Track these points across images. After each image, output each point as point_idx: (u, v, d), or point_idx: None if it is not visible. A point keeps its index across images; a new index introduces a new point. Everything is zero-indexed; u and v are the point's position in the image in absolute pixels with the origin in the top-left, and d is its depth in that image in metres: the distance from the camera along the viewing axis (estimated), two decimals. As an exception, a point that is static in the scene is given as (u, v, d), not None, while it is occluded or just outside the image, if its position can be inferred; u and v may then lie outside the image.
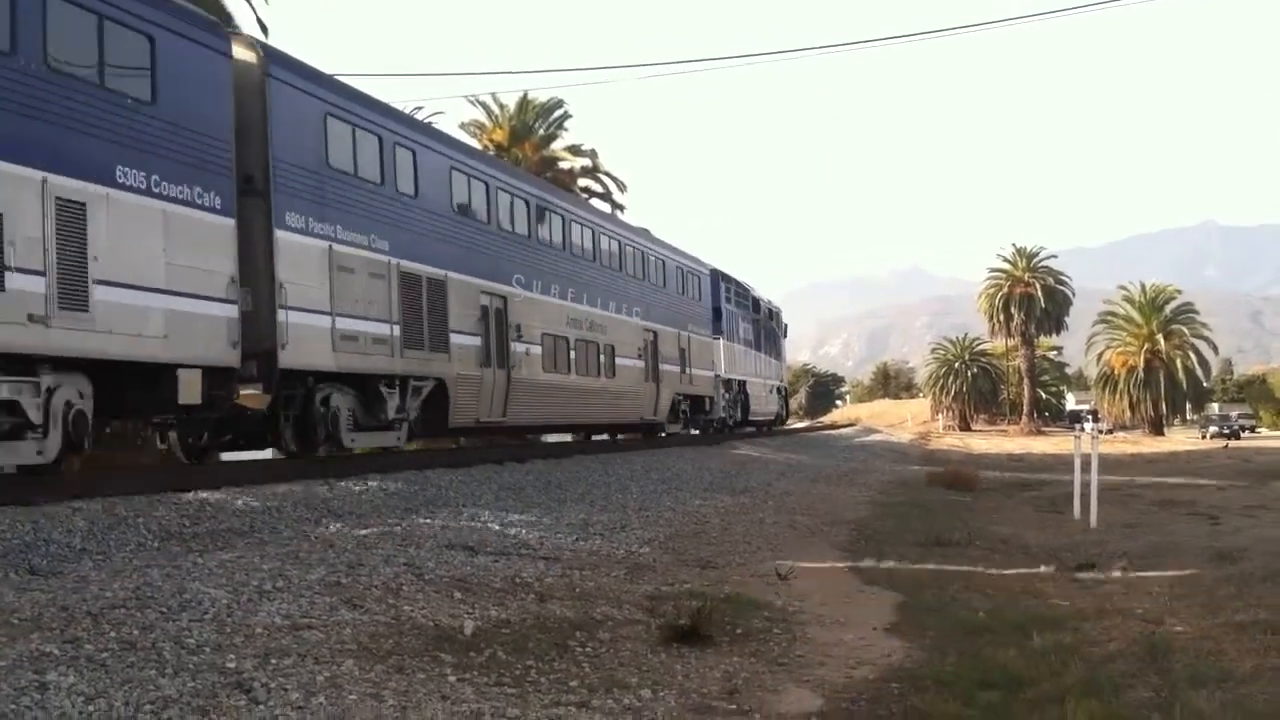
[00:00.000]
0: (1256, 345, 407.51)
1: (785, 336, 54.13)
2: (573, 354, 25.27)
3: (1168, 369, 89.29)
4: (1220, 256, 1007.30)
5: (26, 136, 11.07)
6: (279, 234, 15.11)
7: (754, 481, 23.30)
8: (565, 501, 16.05)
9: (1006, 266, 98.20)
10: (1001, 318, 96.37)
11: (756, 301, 46.28)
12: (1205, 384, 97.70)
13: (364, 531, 11.21)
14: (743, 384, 41.78)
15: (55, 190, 11.33)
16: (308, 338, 15.50)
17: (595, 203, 44.03)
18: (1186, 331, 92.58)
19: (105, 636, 6.41)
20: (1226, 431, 78.36)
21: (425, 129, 22.08)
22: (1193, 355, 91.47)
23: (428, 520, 12.50)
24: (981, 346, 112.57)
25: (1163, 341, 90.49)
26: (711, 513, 17.08)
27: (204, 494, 12.20)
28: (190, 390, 13.34)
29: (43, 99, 11.28)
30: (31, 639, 6.21)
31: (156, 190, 12.79)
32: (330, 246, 16.16)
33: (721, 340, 38.43)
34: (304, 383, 15.99)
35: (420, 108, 39.68)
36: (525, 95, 48.97)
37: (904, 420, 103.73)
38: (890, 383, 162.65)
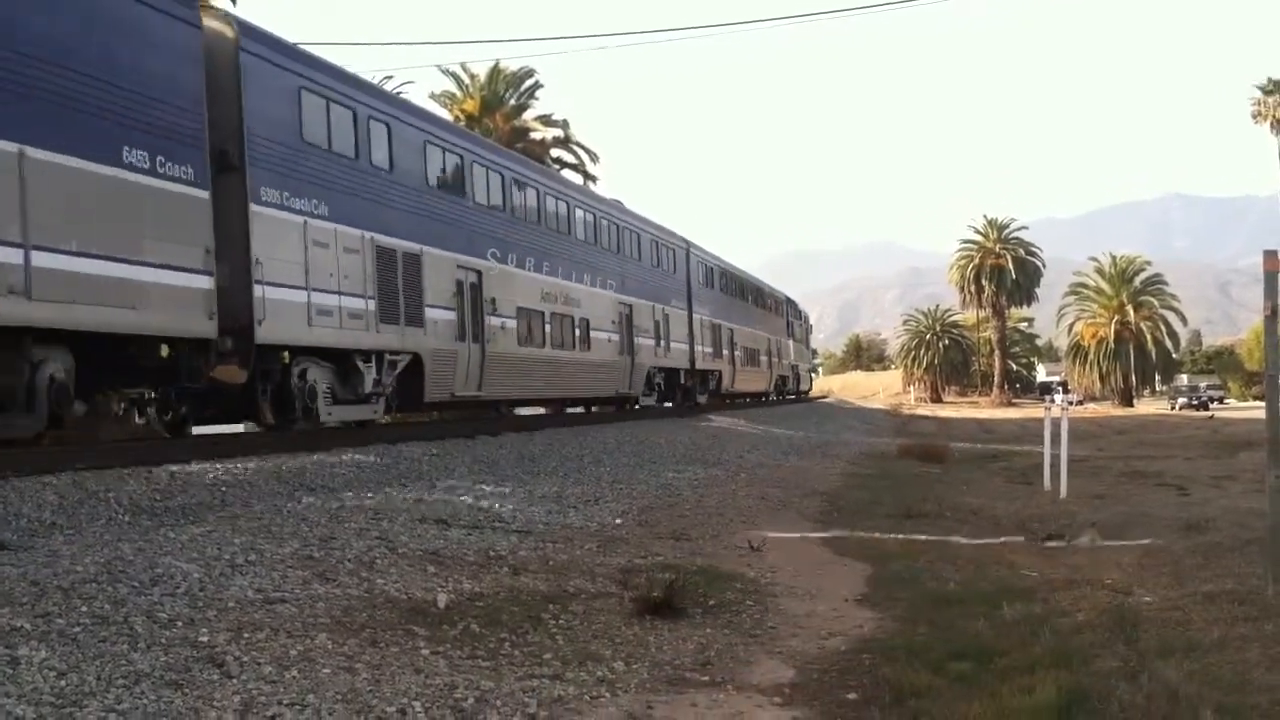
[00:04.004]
0: (1225, 316, 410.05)
1: (811, 332, 76.59)
2: (750, 352, 49.04)
3: (1137, 340, 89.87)
4: (1189, 227, 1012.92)
5: (655, 294, 35.17)
6: (694, 316, 39.13)
7: (727, 454, 23.36)
8: (539, 475, 16.07)
9: (978, 238, 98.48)
10: (972, 289, 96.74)
11: (799, 311, 67.07)
12: (1174, 355, 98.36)
13: (337, 505, 11.20)
14: (796, 368, 63.88)
15: (662, 310, 35.09)
16: (699, 354, 39.80)
17: (566, 173, 44.09)
18: (1156, 303, 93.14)
19: (77, 611, 6.38)
20: (1195, 403, 78.90)
21: (726, 264, 46.99)
22: (1162, 326, 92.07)
23: (401, 494, 12.50)
24: (953, 318, 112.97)
25: (1132, 313, 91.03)
26: (685, 485, 17.12)
27: (175, 468, 12.14)
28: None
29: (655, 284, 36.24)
30: (2, 614, 6.18)
31: (671, 304, 36.36)
32: (701, 319, 40.06)
33: (791, 342, 61.57)
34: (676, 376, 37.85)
35: (390, 77, 39.49)
36: (496, 65, 48.63)
37: (876, 392, 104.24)
38: (862, 355, 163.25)
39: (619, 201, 34.25)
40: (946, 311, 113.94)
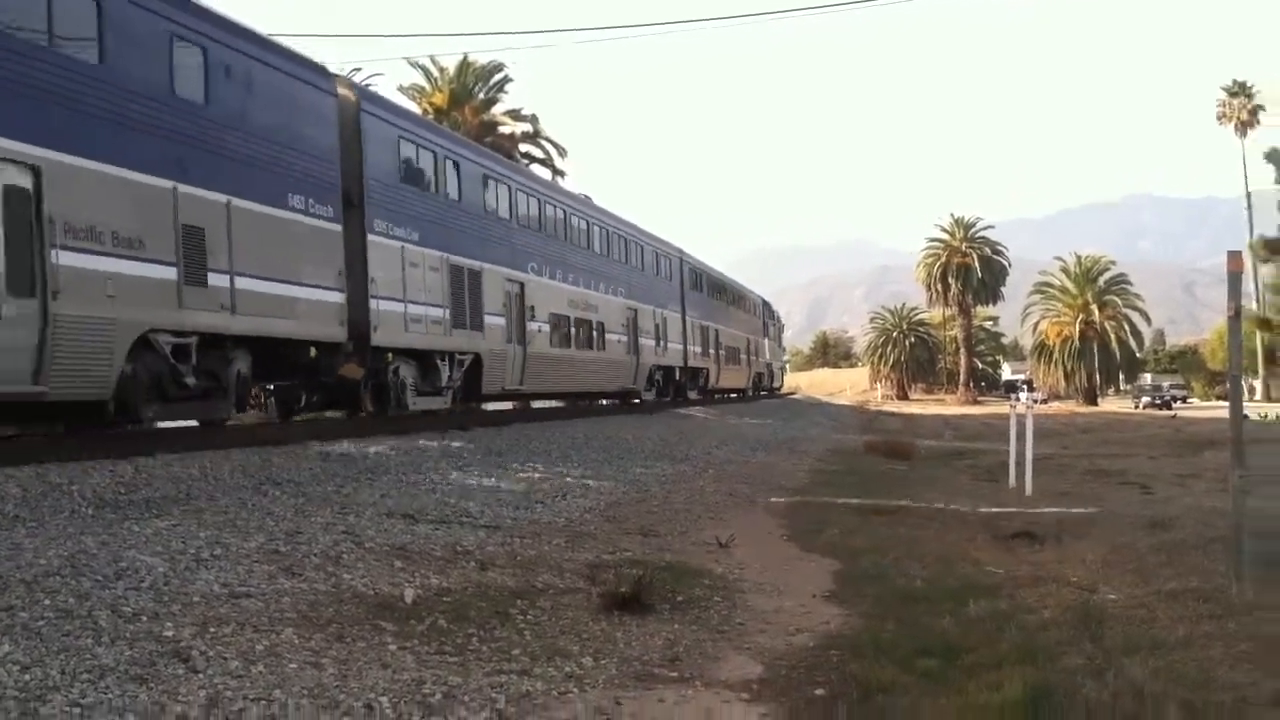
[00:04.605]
0: (1188, 316, 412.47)
1: (783, 332, 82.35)
2: (732, 350, 51.88)
3: (1101, 339, 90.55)
4: (1155, 228, 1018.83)
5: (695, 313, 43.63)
6: (687, 319, 42.32)
7: (695, 450, 23.39)
8: (506, 469, 16.02)
9: (944, 237, 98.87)
10: (939, 288, 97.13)
11: (773, 312, 71.51)
12: (1138, 354, 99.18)
13: (303, 499, 11.14)
14: (771, 365, 67.15)
15: (661, 314, 38.13)
16: (691, 354, 42.84)
17: (535, 168, 44.17)
18: (1120, 302, 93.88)
19: (40, 604, 6.33)
20: (1159, 402, 79.60)
21: (712, 269, 50.77)
22: (1126, 326, 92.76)
23: (368, 488, 12.45)
24: (919, 316, 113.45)
25: (1097, 312, 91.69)
26: (653, 481, 17.13)
27: (139, 461, 12.05)
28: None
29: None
30: (-37, 608, 6.12)
31: (668, 308, 39.82)
32: (693, 321, 42.94)
33: (766, 341, 64.72)
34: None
35: (359, 69, 39.30)
36: (465, 58, 48.51)
37: (843, 389, 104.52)
38: (829, 351, 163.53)
39: (588, 197, 34.54)
40: (913, 310, 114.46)
